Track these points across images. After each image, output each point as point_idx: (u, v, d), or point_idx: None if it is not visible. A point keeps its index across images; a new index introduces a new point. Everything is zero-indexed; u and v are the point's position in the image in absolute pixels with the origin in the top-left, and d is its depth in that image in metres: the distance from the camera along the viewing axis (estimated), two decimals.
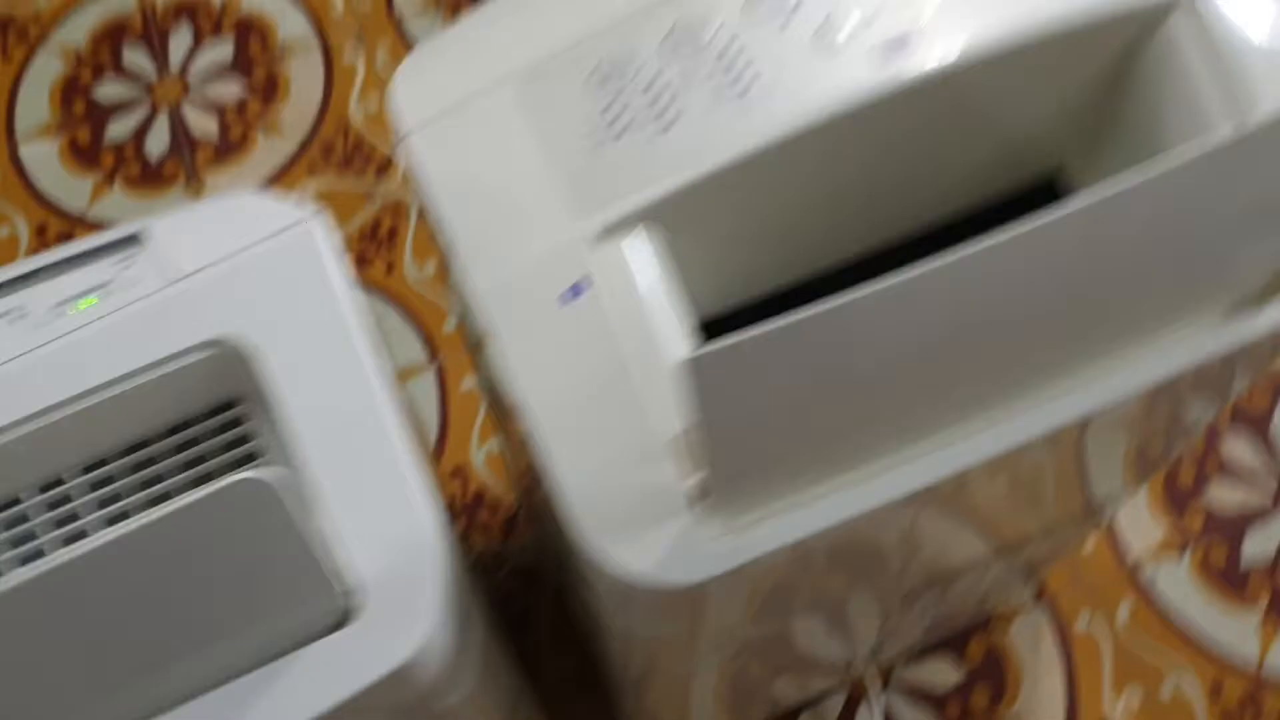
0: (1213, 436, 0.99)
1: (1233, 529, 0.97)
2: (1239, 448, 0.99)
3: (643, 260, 0.49)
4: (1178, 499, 0.98)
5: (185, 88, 1.25)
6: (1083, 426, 0.52)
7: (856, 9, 0.50)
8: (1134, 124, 0.54)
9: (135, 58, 1.27)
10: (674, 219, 0.49)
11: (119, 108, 1.24)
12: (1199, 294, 0.50)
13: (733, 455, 0.45)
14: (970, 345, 0.46)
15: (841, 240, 0.57)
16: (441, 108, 0.51)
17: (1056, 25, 0.50)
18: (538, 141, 0.50)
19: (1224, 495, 0.98)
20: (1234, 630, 0.93)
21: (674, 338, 0.49)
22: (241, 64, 1.26)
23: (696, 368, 0.41)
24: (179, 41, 1.28)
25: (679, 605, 0.51)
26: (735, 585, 0.51)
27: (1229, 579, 0.95)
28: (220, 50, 1.27)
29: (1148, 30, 0.52)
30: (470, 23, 0.53)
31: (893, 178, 0.55)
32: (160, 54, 1.27)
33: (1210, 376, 0.54)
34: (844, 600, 0.67)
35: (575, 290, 0.48)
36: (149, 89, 1.25)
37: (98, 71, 1.26)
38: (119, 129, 1.23)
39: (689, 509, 0.48)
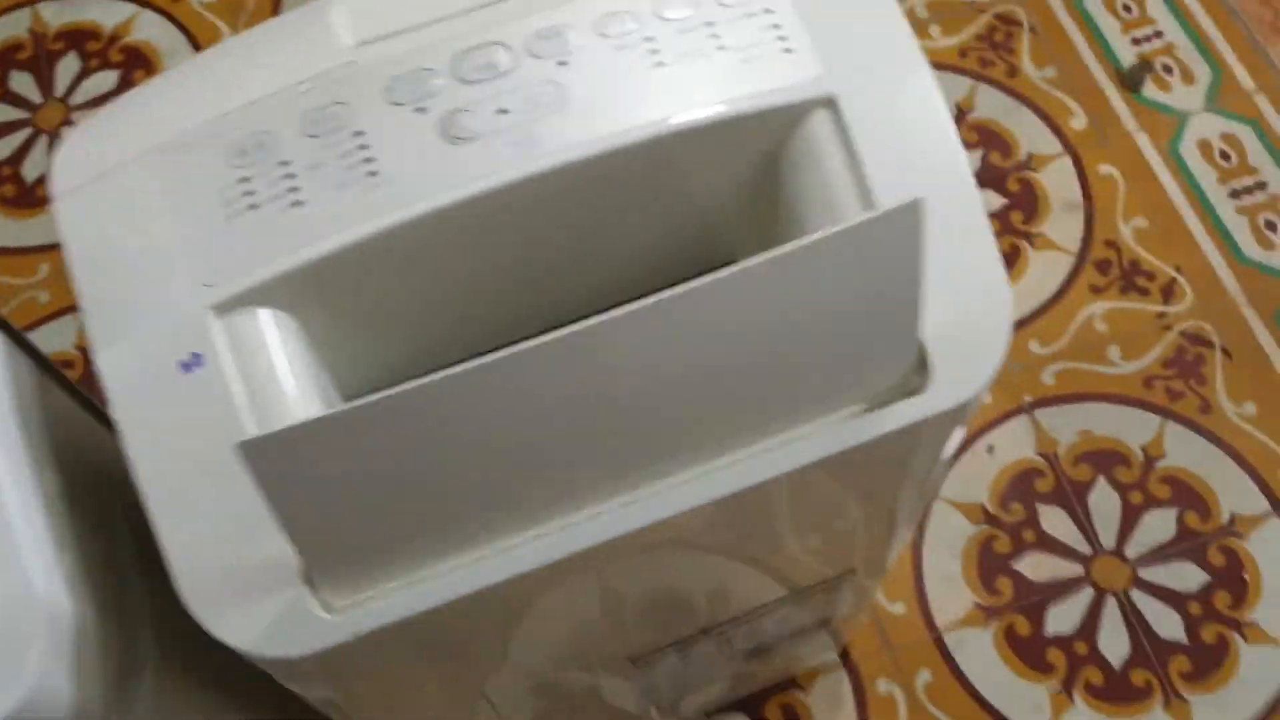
0: (1032, 506, 0.99)
1: (1040, 600, 0.96)
2: (1057, 519, 0.98)
3: (268, 333, 0.50)
4: (990, 567, 0.97)
5: (67, 112, 1.26)
6: (729, 504, 0.52)
7: (494, 99, 0.50)
8: (788, 216, 0.54)
9: (22, 82, 1.28)
10: (299, 295, 0.50)
11: (1, 130, 1.26)
12: (826, 388, 0.50)
13: (313, 536, 0.46)
14: (564, 430, 0.47)
15: (529, 319, 0.58)
16: (90, 176, 0.51)
17: (697, 120, 0.50)
18: (174, 211, 0.50)
19: (1037, 566, 0.97)
20: (1028, 701, 0.92)
21: (293, 411, 0.49)
22: (126, 89, 1.27)
23: (247, 453, 0.42)
24: (67, 67, 1.29)
25: (306, 674, 0.51)
26: (371, 653, 0.51)
27: (1030, 650, 0.94)
28: (106, 78, 1.28)
29: (790, 127, 0.52)
30: (136, 94, 0.54)
31: (565, 261, 0.55)
32: (46, 79, 1.29)
33: (864, 465, 0.54)
34: (556, 659, 0.67)
35: (194, 360, 0.49)
36: (32, 113, 1.27)
37: None
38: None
39: (303, 583, 0.48)
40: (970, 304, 0.52)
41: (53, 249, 1.19)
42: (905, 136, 0.52)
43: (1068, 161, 1.12)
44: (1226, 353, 1.03)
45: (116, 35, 1.31)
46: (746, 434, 0.50)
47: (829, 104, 0.52)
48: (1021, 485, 0.99)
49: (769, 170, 0.54)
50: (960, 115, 1.15)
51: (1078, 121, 1.14)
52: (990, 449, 1.00)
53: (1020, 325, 1.05)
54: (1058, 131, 1.13)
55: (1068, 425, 1.01)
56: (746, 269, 0.43)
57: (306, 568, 0.47)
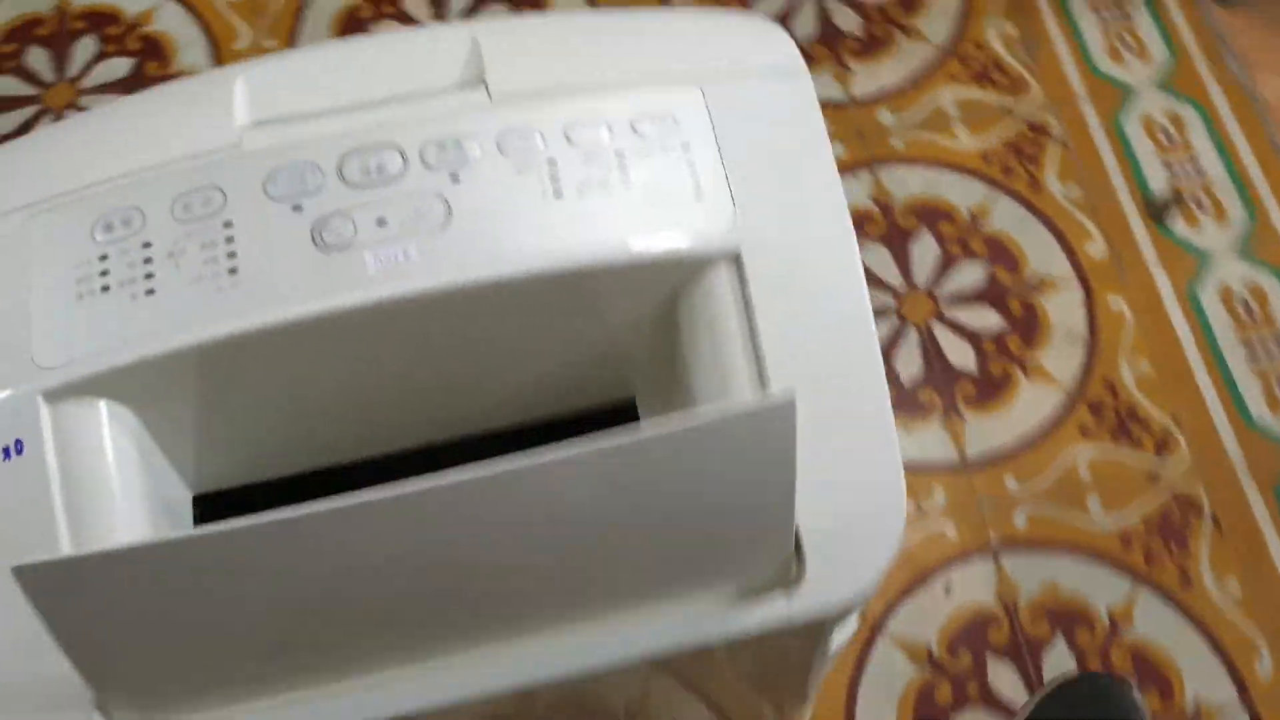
0: (982, 656, 0.94)
1: None
2: (1006, 676, 0.93)
3: (100, 426, 0.47)
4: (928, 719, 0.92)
5: (76, 95, 1.26)
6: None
7: (375, 207, 0.48)
8: (682, 370, 0.50)
9: (38, 58, 1.28)
10: (140, 389, 0.47)
11: (8, 104, 1.25)
12: (688, 574, 0.46)
13: (100, 667, 0.43)
14: (386, 589, 0.43)
15: (403, 432, 0.54)
16: None
17: (580, 262, 0.47)
18: (29, 279, 0.48)
19: None
20: None
21: (112, 515, 0.46)
22: (136, 78, 1.27)
23: (24, 580, 0.39)
24: (84, 49, 1.29)
25: None
26: None
27: None
28: (119, 65, 1.28)
29: (688, 279, 0.48)
30: (29, 141, 0.52)
31: (437, 381, 0.52)
32: (61, 59, 1.28)
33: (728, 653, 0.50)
34: None
35: (16, 447, 0.46)
36: (42, 90, 1.26)
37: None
38: (3, 123, 1.24)
39: (95, 707, 0.45)
40: (860, 497, 0.48)
41: None
42: (813, 305, 0.48)
43: (1077, 289, 1.07)
44: (1216, 522, 0.97)
45: (137, 23, 1.30)
46: (594, 611, 0.47)
47: (733, 260, 0.48)
48: (974, 633, 0.95)
49: (666, 315, 0.50)
50: (973, 223, 1.10)
51: (1095, 248, 1.09)
52: (947, 589, 0.95)
53: (999, 459, 1.00)
54: (1072, 255, 1.08)
55: (1033, 574, 0.96)
56: (600, 450, 0.40)
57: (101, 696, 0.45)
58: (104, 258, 0.48)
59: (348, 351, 0.48)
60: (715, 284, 0.48)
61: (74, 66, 1.27)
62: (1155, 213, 1.10)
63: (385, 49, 0.53)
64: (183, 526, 0.51)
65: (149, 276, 0.47)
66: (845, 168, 1.16)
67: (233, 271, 0.47)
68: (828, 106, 1.19)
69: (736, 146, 0.50)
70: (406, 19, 1.30)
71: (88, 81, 1.26)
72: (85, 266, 0.48)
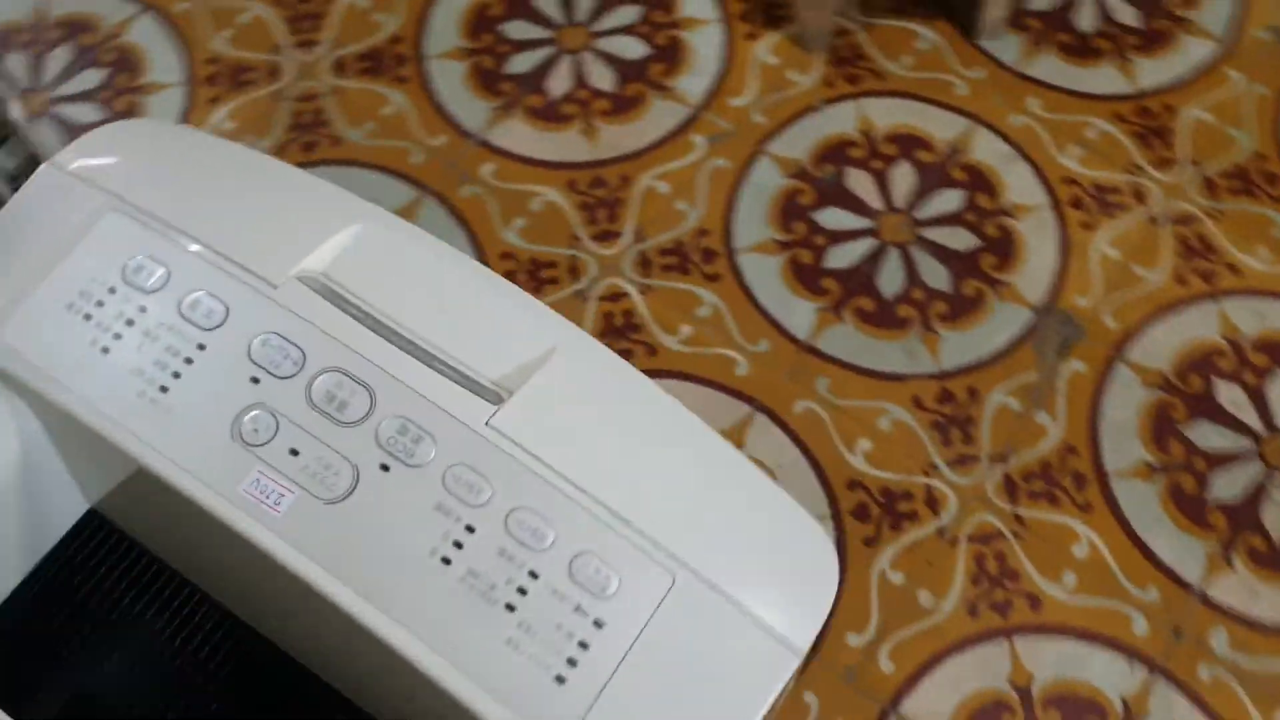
0: None
1: None
2: None
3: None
4: None
5: (589, 38, 1.29)
6: None
7: (304, 435, 0.44)
8: None
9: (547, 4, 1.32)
10: (48, 412, 0.48)
11: (525, 45, 1.31)
12: None
13: None
14: None
15: (272, 627, 0.52)
16: (79, 168, 0.51)
17: (407, 650, 0.41)
18: (60, 261, 0.49)
19: None
20: None
21: None
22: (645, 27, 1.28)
23: None
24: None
25: None
26: None
27: None
28: (627, 12, 1.29)
29: None
30: (188, 140, 0.53)
31: (282, 611, 0.48)
32: (570, 5, 1.32)
33: None
34: None
35: None
36: (556, 31, 1.31)
37: (510, 8, 1.32)
38: (521, 62, 1.29)
39: None
40: None
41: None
42: None
43: None
44: None
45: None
46: None
47: None
48: None
49: None
50: None
51: None
52: None
53: None
54: None
55: None
56: None
57: None
58: (112, 291, 0.48)
59: (203, 528, 0.46)
60: None
61: (581, 11, 1.31)
62: None
63: (483, 299, 0.49)
64: (52, 530, 0.52)
65: (117, 337, 0.47)
66: (1132, 651, 0.96)
67: (163, 389, 0.46)
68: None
69: (655, 662, 0.41)
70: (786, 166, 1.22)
71: (600, 24, 1.28)
72: (93, 287, 0.48)
